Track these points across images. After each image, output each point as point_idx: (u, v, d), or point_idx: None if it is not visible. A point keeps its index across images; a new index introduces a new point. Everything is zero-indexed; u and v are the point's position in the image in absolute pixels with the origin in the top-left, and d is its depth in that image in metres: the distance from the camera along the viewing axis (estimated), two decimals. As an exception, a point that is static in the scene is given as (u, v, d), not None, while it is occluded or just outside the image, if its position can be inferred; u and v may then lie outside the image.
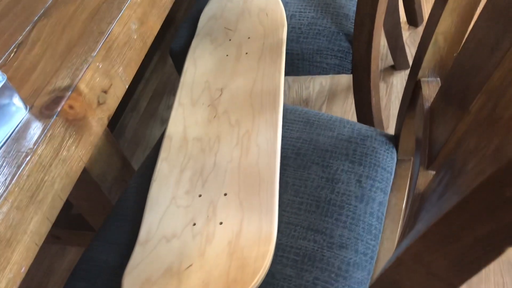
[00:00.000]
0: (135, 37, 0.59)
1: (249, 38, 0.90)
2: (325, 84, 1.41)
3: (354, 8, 0.94)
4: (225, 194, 0.66)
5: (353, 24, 0.92)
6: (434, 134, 0.54)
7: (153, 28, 0.64)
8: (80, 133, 0.50)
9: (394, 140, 0.73)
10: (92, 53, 0.53)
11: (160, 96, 1.56)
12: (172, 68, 1.63)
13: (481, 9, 0.46)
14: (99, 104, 0.53)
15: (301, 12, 0.94)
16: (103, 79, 0.54)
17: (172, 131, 0.77)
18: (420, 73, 0.61)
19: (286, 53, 0.95)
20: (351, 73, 0.96)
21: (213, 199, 0.66)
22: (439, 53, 0.58)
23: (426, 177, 0.52)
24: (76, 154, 0.49)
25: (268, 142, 0.70)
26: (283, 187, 0.68)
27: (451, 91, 0.52)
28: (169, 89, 1.57)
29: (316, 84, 1.43)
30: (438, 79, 0.61)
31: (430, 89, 0.60)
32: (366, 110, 1.01)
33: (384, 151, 0.71)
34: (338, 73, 0.97)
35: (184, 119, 0.78)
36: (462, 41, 0.57)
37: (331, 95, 1.39)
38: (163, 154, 0.74)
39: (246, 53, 0.87)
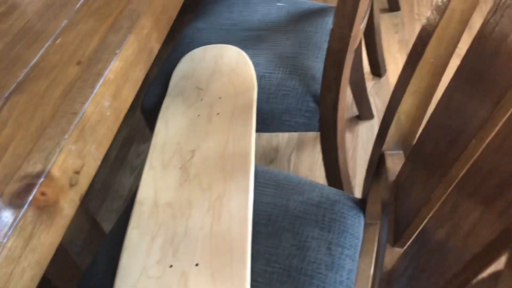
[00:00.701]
0: (108, 113, 0.60)
1: (220, 98, 0.92)
2: (294, 134, 1.44)
3: (320, 71, 0.98)
4: (197, 265, 0.66)
5: (319, 85, 0.95)
6: (399, 211, 0.56)
7: (126, 102, 0.65)
8: (52, 219, 0.50)
9: (361, 204, 0.75)
10: (65, 135, 0.53)
11: (130, 143, 1.55)
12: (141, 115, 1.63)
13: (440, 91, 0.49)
14: (71, 186, 0.53)
15: (271, 73, 0.97)
16: (75, 161, 0.54)
17: (143, 196, 0.77)
18: (384, 146, 0.64)
19: (257, 111, 0.97)
20: (319, 131, 0.99)
21: (184, 270, 0.66)
22: (401, 129, 0.62)
23: (393, 254, 0.54)
24: (47, 241, 0.49)
25: (240, 208, 0.71)
26: (254, 256, 0.69)
27: (416, 168, 0.55)
28: (138, 137, 1.57)
29: (285, 133, 1.46)
30: (401, 152, 0.64)
31: (394, 162, 0.63)
32: (333, 167, 1.04)
33: (353, 216, 0.73)
34: (306, 131, 1.00)
35: (155, 183, 0.78)
36: (422, 119, 0.60)
37: (300, 142, 1.42)
38: (133, 221, 0.74)
39: (218, 114, 0.88)
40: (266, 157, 1.41)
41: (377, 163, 0.66)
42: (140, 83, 0.68)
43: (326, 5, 1.15)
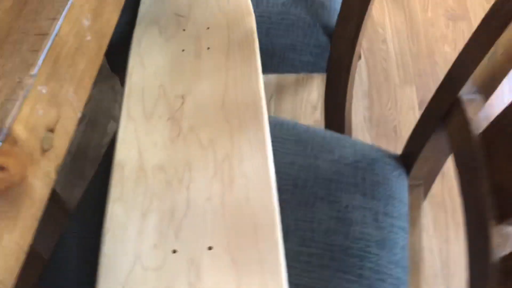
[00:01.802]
0: (89, 38, 0.39)
1: (208, 28, 0.71)
2: (271, 77, 1.27)
3: (330, -4, 0.80)
4: (210, 248, 0.49)
5: (330, 15, 0.77)
6: (501, 176, 0.42)
7: (110, 23, 0.44)
8: (17, 207, 0.30)
9: (402, 162, 0.61)
10: (30, 70, 0.32)
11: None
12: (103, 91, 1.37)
13: None
14: (43, 152, 0.33)
15: (269, -2, 0.78)
16: (48, 111, 0.34)
17: (123, 157, 0.57)
18: (463, 90, 0.49)
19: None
20: (326, 72, 0.82)
21: (194, 256, 0.49)
22: (492, 66, 0.46)
23: (503, 235, 0.40)
24: (13, 244, 0.30)
25: (257, 170, 0.53)
26: (283, 232, 0.53)
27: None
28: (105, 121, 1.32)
29: (261, 76, 1.27)
30: (480, 96, 0.50)
31: (475, 109, 0.48)
32: (338, 114, 0.88)
33: (397, 178, 0.59)
34: (310, 72, 0.83)
35: (138, 140, 0.58)
36: (522, 53, 0.45)
37: (279, 87, 1.25)
38: (114, 191, 0.54)
39: (208, 48, 0.68)
40: (241, 103, 1.22)
41: (446, 111, 0.51)
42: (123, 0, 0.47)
43: None
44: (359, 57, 1.29)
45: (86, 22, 0.39)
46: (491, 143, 0.45)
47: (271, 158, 0.54)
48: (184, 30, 0.71)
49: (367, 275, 0.50)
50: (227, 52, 0.66)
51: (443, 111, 0.51)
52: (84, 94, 0.39)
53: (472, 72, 0.47)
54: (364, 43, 1.33)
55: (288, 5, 0.77)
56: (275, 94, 1.23)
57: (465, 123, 0.48)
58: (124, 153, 0.57)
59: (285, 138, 0.62)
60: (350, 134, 0.95)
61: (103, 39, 0.43)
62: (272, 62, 0.80)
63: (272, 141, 0.61)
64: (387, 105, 1.19)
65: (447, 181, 1.04)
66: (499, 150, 0.44)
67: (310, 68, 0.81)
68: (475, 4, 1.39)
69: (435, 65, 1.26)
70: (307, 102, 1.22)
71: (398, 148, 1.09)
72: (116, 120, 1.21)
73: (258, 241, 0.48)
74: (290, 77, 1.27)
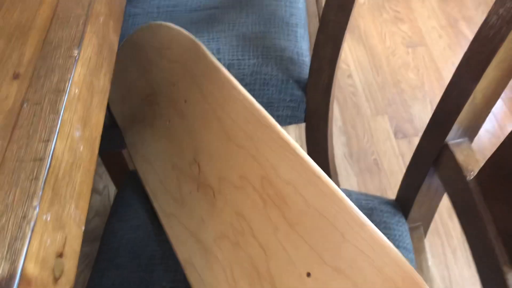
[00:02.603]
0: (82, 148, 0.39)
1: (174, 85, 0.65)
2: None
3: (297, 50, 0.82)
4: (308, 274, 0.43)
5: (301, 69, 0.79)
6: (504, 221, 0.43)
7: (98, 126, 0.44)
8: None
9: (399, 206, 0.62)
10: (32, 201, 0.32)
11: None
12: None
13: None
14: (55, 280, 0.32)
15: (240, 60, 0.79)
16: (54, 237, 0.33)
17: (187, 255, 0.54)
18: (449, 135, 0.50)
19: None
20: (305, 121, 0.83)
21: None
22: (474, 111, 0.48)
23: (518, 279, 0.41)
24: None
25: (294, 167, 0.46)
26: None
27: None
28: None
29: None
30: (466, 139, 0.51)
31: (463, 154, 0.50)
32: (322, 160, 0.89)
33: (397, 224, 0.59)
34: (289, 124, 0.84)
35: (187, 228, 0.56)
36: (498, 97, 0.47)
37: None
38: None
39: (185, 101, 0.62)
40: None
41: (436, 156, 0.52)
42: (107, 94, 0.47)
43: (279, -26, 0.99)
44: (329, 95, 1.32)
45: (77, 133, 0.38)
46: (487, 188, 0.46)
47: (297, 146, 0.47)
48: (157, 104, 0.69)
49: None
50: (201, 93, 0.60)
51: (432, 156, 0.53)
52: (85, 205, 0.38)
53: (456, 118, 0.48)
54: (331, 81, 1.36)
55: (259, 65, 0.78)
56: (253, 143, 1.24)
57: (457, 168, 0.49)
58: (184, 250, 0.55)
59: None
60: (336, 177, 0.96)
61: (95, 143, 0.42)
62: (251, 121, 0.80)
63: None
64: (363, 138, 1.22)
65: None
66: (497, 195, 0.45)
67: (289, 121, 0.82)
68: (429, 29, 1.45)
69: (402, 92, 1.30)
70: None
71: (382, 181, 1.11)
72: (99, 192, 1.19)
73: (346, 237, 0.41)
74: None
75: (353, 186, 1.12)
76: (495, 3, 0.43)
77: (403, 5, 1.51)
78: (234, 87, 0.54)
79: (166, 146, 0.63)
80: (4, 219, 0.31)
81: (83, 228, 0.38)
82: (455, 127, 0.49)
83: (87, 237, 1.14)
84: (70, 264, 0.35)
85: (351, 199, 0.61)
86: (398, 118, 1.25)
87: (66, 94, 0.38)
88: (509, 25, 0.41)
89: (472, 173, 0.48)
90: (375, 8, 1.51)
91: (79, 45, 0.42)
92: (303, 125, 0.85)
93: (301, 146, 1.19)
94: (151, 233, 0.61)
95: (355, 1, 0.63)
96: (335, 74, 0.74)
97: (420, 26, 1.46)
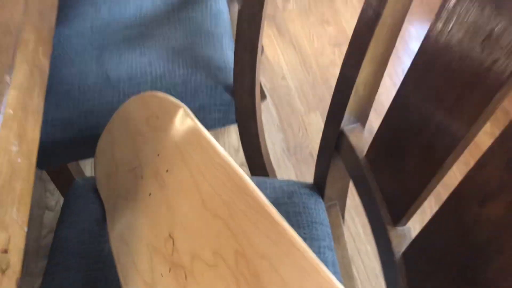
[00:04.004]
0: (20, 160, 0.45)
1: (158, 155, 0.60)
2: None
3: (224, 58, 0.90)
4: None
5: (227, 75, 0.87)
6: (387, 189, 0.52)
7: (34, 140, 0.50)
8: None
9: (316, 188, 0.71)
10: (-23, 206, 0.38)
11: None
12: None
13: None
14: (3, 272, 0.38)
15: (170, 70, 0.86)
16: None
17: None
18: (343, 122, 0.59)
19: (165, 117, 0.85)
20: (236, 122, 0.91)
21: None
22: (360, 101, 0.57)
23: (399, 235, 0.50)
24: None
25: (270, 234, 0.41)
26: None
27: (394, 140, 0.51)
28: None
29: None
30: (358, 124, 0.61)
31: (356, 137, 0.59)
32: (256, 157, 0.98)
33: (314, 204, 0.68)
34: (223, 126, 0.92)
35: None
36: (378, 86, 0.57)
37: (199, 141, 1.32)
38: None
39: (167, 171, 0.57)
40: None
41: (336, 141, 0.61)
42: (42, 112, 0.53)
43: (203, -12, 1.07)
44: (265, 98, 1.41)
45: (14, 148, 0.45)
46: (374, 163, 0.55)
47: (273, 210, 0.43)
48: (142, 177, 0.62)
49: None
50: (183, 159, 0.56)
51: (333, 141, 0.62)
52: (26, 210, 0.44)
53: (345, 107, 0.57)
54: (266, 83, 1.45)
55: (189, 74, 0.86)
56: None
57: (351, 149, 0.58)
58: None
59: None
60: (273, 171, 1.05)
61: (32, 156, 0.48)
62: (186, 126, 0.87)
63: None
64: (298, 133, 1.31)
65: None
66: (381, 168, 0.54)
67: (222, 123, 0.90)
68: (353, 29, 1.57)
69: (331, 89, 1.40)
70: (229, 146, 1.31)
71: (317, 170, 1.20)
72: (51, 208, 1.22)
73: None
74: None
75: (292, 176, 1.22)
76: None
77: (327, 7, 1.63)
78: (214, 150, 0.51)
79: (144, 223, 0.57)
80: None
81: (25, 229, 0.44)
82: (346, 115, 0.58)
83: (43, 252, 1.18)
84: (15, 259, 0.41)
85: (274, 186, 0.70)
86: (329, 112, 1.35)
87: (2, 115, 0.44)
88: (376, 20, 0.50)
89: (362, 152, 0.57)
90: (302, 12, 1.62)
91: (10, 72, 0.48)
92: (235, 126, 0.93)
93: (239, 147, 1.27)
94: (97, 234, 0.67)
95: (264, 11, 0.72)
96: (256, 77, 0.82)
97: (345, 26, 1.57)
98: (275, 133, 1.32)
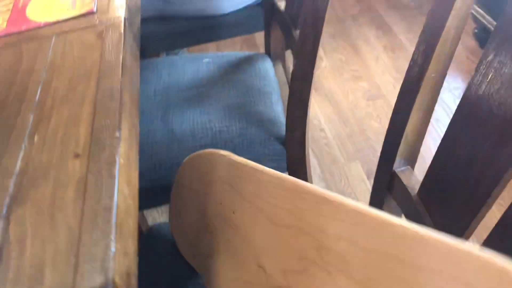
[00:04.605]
0: (130, 202, 0.54)
1: (221, 203, 0.63)
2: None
3: (274, 113, 0.99)
4: None
5: (280, 128, 0.97)
6: (438, 221, 0.59)
7: (136, 187, 0.59)
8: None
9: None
10: (110, 235, 0.46)
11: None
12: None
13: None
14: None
15: (228, 126, 0.96)
16: (124, 261, 0.47)
17: None
18: (395, 165, 0.67)
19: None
20: (288, 171, 0.99)
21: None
22: (409, 146, 0.65)
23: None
24: None
25: (342, 221, 0.40)
26: None
27: (440, 180, 0.58)
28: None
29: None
30: (409, 167, 0.68)
31: (407, 177, 0.66)
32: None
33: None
34: (275, 174, 1.00)
35: None
36: (425, 132, 0.65)
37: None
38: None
39: (233, 213, 0.60)
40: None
41: (388, 182, 0.69)
42: (138, 163, 0.63)
43: (251, 53, 1.19)
44: (306, 148, 1.49)
45: (126, 191, 0.54)
46: (426, 198, 0.62)
47: (324, 191, 0.43)
48: (213, 232, 0.65)
49: None
50: (240, 195, 0.58)
51: (386, 183, 0.69)
52: (134, 244, 0.53)
53: (396, 152, 0.65)
54: (306, 136, 1.54)
55: (244, 128, 0.96)
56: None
57: (404, 188, 0.65)
58: None
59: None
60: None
61: (135, 199, 0.57)
62: (243, 175, 0.96)
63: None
64: (341, 182, 1.38)
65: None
66: (432, 202, 0.61)
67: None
68: (385, 83, 1.67)
69: (369, 139, 1.48)
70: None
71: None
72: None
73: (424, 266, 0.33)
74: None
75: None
76: (411, 60, 0.61)
77: (359, 65, 1.74)
78: (257, 170, 0.53)
79: (232, 267, 0.59)
80: (93, 249, 0.45)
81: (136, 260, 0.52)
82: (397, 158, 0.66)
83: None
84: (134, 283, 0.49)
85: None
86: (368, 162, 1.42)
87: (117, 164, 0.54)
88: (422, 74, 0.58)
89: (414, 190, 0.64)
90: (335, 70, 1.74)
91: (119, 129, 0.58)
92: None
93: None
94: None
95: (314, 73, 0.82)
96: (306, 129, 0.92)
97: (377, 81, 1.68)
98: (318, 182, 1.39)
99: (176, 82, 1.10)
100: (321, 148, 1.48)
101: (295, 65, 0.82)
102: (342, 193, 1.35)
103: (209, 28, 1.41)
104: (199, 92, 1.06)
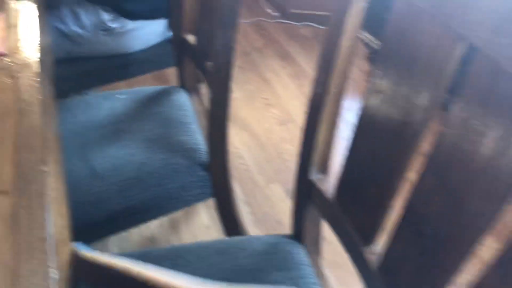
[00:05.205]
0: (64, 235, 0.55)
1: None
2: (164, 219, 1.43)
3: (194, 141, 1.03)
4: None
5: (202, 155, 1.00)
6: (357, 218, 0.66)
7: (68, 218, 0.60)
8: None
9: (295, 236, 0.83)
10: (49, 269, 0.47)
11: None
12: None
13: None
14: None
15: (151, 157, 0.98)
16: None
17: None
18: (312, 174, 0.74)
19: (151, 197, 0.95)
20: (214, 196, 1.03)
21: None
22: (322, 156, 0.72)
23: (371, 252, 0.63)
24: None
25: None
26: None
27: (351, 183, 0.66)
28: None
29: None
30: (323, 175, 0.75)
31: (323, 184, 0.73)
32: (234, 223, 1.08)
33: (297, 248, 0.80)
34: (200, 201, 1.03)
35: None
36: (333, 141, 0.72)
37: (172, 223, 1.41)
38: None
39: None
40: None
41: (307, 190, 0.75)
42: (66, 196, 0.64)
43: (166, 87, 1.23)
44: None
45: (59, 223, 0.54)
46: (342, 200, 0.69)
47: None
48: None
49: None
50: None
51: (305, 192, 0.75)
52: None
53: (310, 163, 0.72)
54: (226, 164, 1.59)
55: (168, 158, 0.98)
56: (170, 226, 1.39)
57: (320, 194, 0.72)
58: None
59: (209, 254, 0.79)
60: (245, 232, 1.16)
61: (67, 231, 0.58)
62: (170, 203, 0.98)
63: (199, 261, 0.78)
64: (264, 204, 1.44)
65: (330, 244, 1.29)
66: (348, 202, 0.68)
67: (202, 197, 1.01)
68: (294, 108, 1.78)
69: (286, 161, 1.57)
70: (200, 224, 1.40)
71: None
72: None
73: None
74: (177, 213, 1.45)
75: (264, 244, 1.32)
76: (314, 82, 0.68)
77: (269, 93, 1.85)
78: None
79: None
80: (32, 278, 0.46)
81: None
82: (312, 169, 0.73)
83: None
84: None
85: (261, 241, 0.81)
86: (287, 182, 1.50)
87: (48, 196, 0.55)
88: (324, 91, 0.66)
89: (330, 195, 0.71)
90: (247, 99, 1.83)
91: (46, 164, 0.59)
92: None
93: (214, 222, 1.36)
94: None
95: (230, 98, 0.88)
96: (227, 154, 0.96)
97: (287, 107, 1.79)
98: (242, 206, 1.44)
99: (92, 120, 1.10)
100: (241, 174, 1.53)
101: (212, 93, 0.87)
102: (267, 214, 1.41)
103: (120, 67, 1.43)
104: (117, 128, 1.07)
